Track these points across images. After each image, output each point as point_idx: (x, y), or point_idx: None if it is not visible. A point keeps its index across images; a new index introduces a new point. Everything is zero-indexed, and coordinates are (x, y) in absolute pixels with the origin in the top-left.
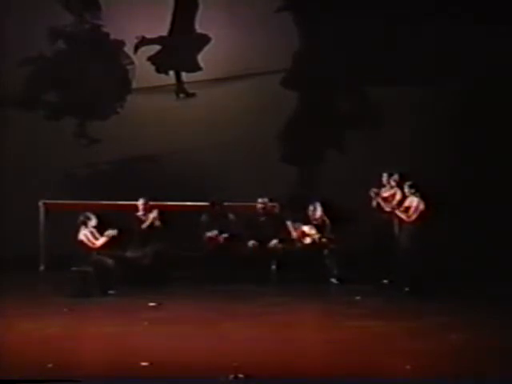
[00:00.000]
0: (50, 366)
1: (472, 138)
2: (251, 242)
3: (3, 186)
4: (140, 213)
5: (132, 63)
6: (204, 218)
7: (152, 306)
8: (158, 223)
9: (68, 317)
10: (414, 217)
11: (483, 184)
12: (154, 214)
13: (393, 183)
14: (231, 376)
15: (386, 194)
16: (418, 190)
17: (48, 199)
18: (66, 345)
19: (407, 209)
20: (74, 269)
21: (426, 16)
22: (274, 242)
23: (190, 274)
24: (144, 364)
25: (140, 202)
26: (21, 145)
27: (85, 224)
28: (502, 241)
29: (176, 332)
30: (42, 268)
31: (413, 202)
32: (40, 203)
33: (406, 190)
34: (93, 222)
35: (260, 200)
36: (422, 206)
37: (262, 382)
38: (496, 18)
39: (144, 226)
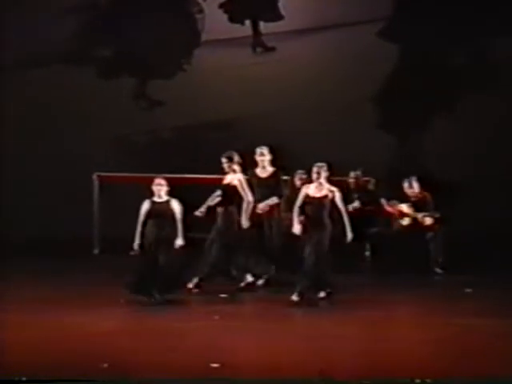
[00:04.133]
0: (105, 365)
1: None
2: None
3: (50, 157)
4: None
5: (201, 11)
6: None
7: (223, 298)
8: None
9: (125, 309)
10: None
11: None
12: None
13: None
14: (316, 378)
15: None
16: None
17: (102, 171)
18: (124, 342)
19: None
20: (132, 253)
21: None
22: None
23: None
24: (214, 366)
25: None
26: (70, 106)
27: None
28: None
29: (251, 328)
30: (96, 251)
31: None
32: (94, 176)
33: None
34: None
35: (352, 173)
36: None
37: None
38: None
39: None
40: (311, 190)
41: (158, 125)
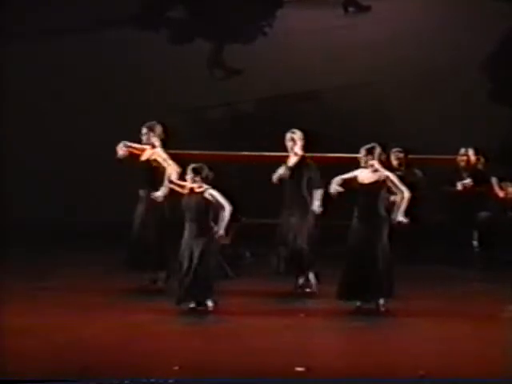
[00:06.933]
0: (176, 368)
1: None
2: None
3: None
4: None
5: None
6: None
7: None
8: None
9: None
10: None
11: None
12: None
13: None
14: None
15: None
16: None
17: (173, 149)
18: (196, 343)
19: None
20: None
21: None
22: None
23: None
24: (299, 369)
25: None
26: (135, 75)
27: None
28: None
29: (337, 326)
30: None
31: None
32: None
33: None
34: None
35: (462, 151)
36: None
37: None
38: None
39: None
40: (361, 175)
41: (235, 96)
